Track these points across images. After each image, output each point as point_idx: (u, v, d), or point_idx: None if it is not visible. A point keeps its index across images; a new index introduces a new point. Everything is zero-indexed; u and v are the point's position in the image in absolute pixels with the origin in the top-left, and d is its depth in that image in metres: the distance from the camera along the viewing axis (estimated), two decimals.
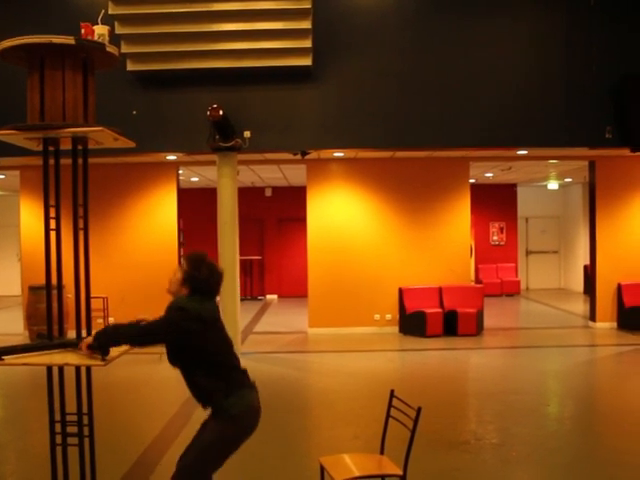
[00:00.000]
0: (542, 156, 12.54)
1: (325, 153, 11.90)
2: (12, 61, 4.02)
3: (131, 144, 4.25)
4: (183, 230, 15.15)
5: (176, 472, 3.81)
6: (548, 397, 8.30)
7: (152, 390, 8.60)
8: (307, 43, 9.89)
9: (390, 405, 4.36)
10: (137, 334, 3.75)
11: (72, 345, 3.93)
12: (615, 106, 10.52)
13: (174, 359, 3.82)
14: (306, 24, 9.80)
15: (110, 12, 9.42)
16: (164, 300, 3.85)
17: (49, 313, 4.04)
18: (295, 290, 18.27)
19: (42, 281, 4.11)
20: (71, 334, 4.22)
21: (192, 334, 3.68)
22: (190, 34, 9.82)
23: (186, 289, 3.82)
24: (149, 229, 12.70)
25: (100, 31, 4.08)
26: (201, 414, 3.97)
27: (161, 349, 3.78)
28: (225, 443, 3.78)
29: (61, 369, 4.02)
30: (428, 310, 12.10)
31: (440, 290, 12.65)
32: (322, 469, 4.15)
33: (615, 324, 12.74)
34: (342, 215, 12.79)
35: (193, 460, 3.79)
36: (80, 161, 4.19)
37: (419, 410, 3.90)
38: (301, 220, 13.72)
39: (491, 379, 8.91)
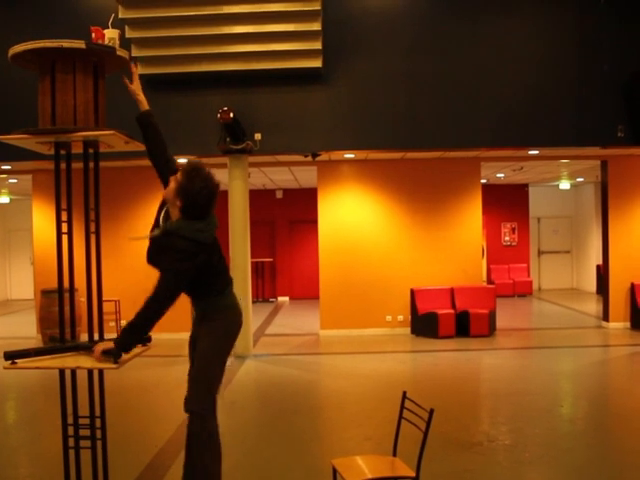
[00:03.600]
0: (554, 156, 12.48)
1: (336, 154, 11.89)
2: (23, 65, 4.04)
3: (142, 147, 4.27)
4: None
5: (188, 389, 4.01)
6: (561, 398, 8.25)
7: (164, 393, 8.61)
8: (317, 45, 9.91)
9: (402, 406, 4.34)
10: (155, 310, 3.72)
11: (85, 348, 3.94)
12: (627, 104, 10.46)
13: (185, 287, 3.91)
14: (316, 26, 9.81)
15: (120, 16, 9.47)
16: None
17: (61, 316, 4.06)
18: (307, 292, 18.27)
19: (54, 285, 4.13)
20: (83, 337, 4.24)
21: (199, 265, 3.82)
22: (200, 37, 9.85)
23: (179, 202, 3.84)
24: None
25: (110, 35, 4.09)
26: None
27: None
28: (225, 334, 3.99)
29: (74, 372, 4.03)
30: (440, 311, 12.07)
31: (452, 291, 12.61)
32: (334, 471, 4.13)
33: (628, 324, 12.66)
34: (353, 216, 12.77)
35: (204, 365, 3.95)
36: (91, 165, 4.21)
37: (432, 411, 3.88)
38: (312, 222, 13.71)
39: (504, 380, 8.87)
